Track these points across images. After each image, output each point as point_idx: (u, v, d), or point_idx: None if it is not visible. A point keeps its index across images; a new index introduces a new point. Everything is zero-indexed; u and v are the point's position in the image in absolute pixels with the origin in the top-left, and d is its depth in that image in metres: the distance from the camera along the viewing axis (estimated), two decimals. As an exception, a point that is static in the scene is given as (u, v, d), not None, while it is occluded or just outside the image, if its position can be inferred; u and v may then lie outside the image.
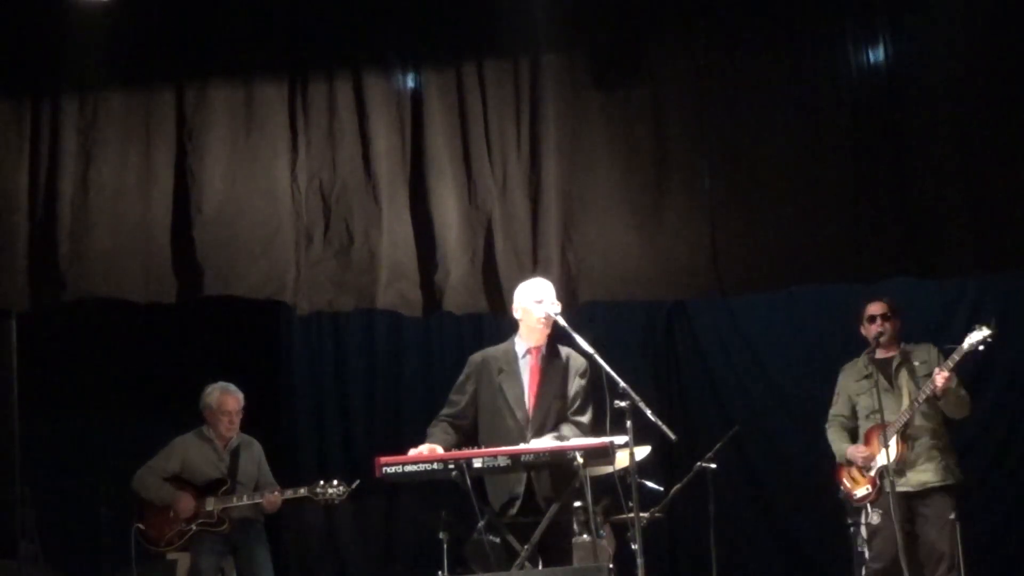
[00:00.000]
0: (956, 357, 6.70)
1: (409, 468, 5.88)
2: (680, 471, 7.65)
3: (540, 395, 6.12)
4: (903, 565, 6.42)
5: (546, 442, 5.93)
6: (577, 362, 6.15)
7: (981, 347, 6.67)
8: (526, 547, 5.82)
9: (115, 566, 7.33)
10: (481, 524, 5.98)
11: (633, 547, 5.93)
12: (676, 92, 7.06)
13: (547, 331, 6.15)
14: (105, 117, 6.89)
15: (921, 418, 6.80)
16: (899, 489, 6.63)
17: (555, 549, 6.02)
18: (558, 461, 5.82)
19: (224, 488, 7.34)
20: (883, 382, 6.82)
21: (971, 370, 7.22)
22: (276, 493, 7.33)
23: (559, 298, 6.22)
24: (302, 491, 7.30)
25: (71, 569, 7.60)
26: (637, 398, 5.70)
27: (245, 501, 7.30)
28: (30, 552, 7.22)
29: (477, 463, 5.81)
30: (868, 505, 6.84)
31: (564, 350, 6.19)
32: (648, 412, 5.76)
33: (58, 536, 7.58)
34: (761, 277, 7.09)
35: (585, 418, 6.11)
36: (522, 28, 7.00)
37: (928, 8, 7.00)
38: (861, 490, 6.88)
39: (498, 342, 6.39)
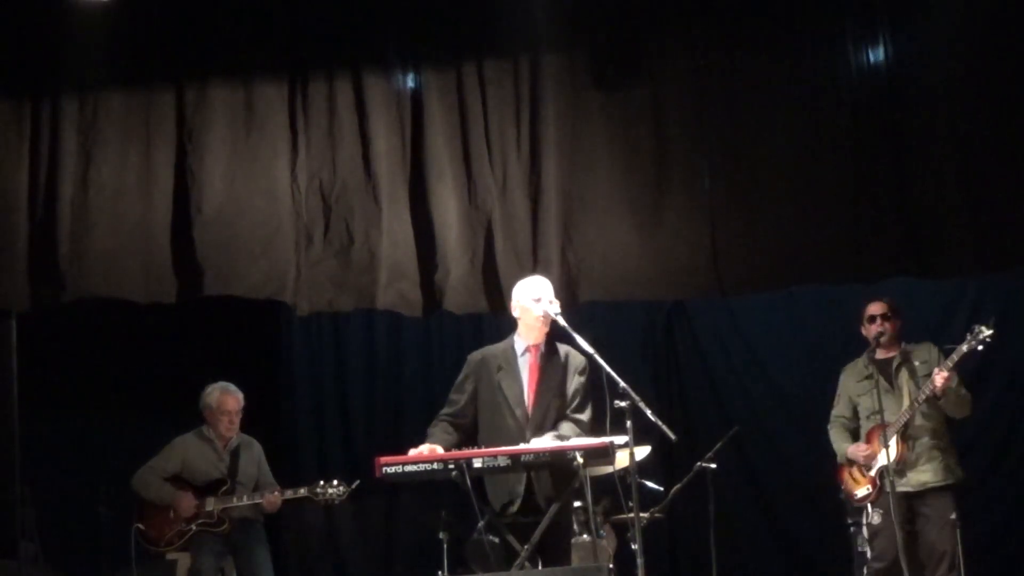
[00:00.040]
0: (955, 357, 6.70)
1: (409, 468, 5.88)
2: (680, 471, 7.66)
3: (539, 393, 6.12)
4: (903, 565, 6.43)
5: (546, 442, 5.93)
6: (576, 360, 6.15)
7: (980, 347, 6.67)
8: (526, 547, 5.81)
9: (115, 566, 7.33)
10: (481, 524, 5.98)
11: (633, 547, 5.93)
12: (676, 92, 7.06)
13: (546, 329, 6.15)
14: (105, 117, 6.89)
15: (921, 418, 6.80)
16: (899, 489, 6.64)
17: (555, 549, 6.02)
18: (558, 461, 5.82)
19: (224, 488, 7.34)
20: (883, 383, 6.82)
21: (971, 370, 7.21)
22: (276, 493, 7.33)
23: (559, 298, 6.22)
24: (302, 491, 7.30)
25: (71, 569, 7.60)
26: (637, 398, 5.70)
27: (245, 501, 7.30)
28: (30, 552, 7.22)
29: (477, 463, 5.80)
30: (869, 505, 6.84)
31: (563, 348, 6.19)
32: (648, 412, 5.76)
33: (58, 536, 7.59)
34: (761, 277, 7.09)
35: (584, 416, 6.11)
36: (522, 28, 7.00)
37: (928, 8, 7.00)
38: (861, 490, 6.89)
39: (498, 342, 6.39)
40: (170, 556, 7.30)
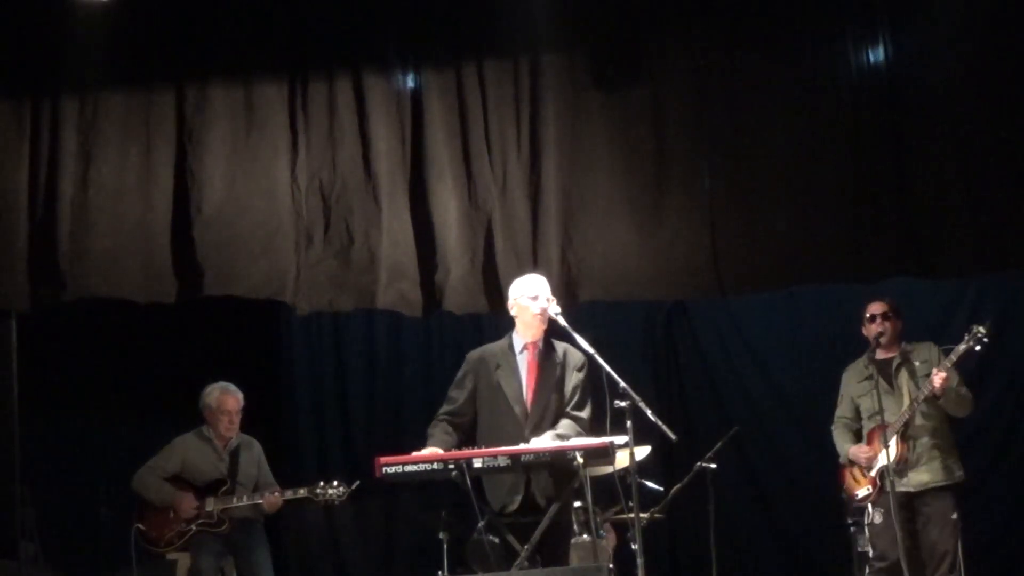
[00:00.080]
0: (953, 357, 6.70)
1: (409, 468, 5.89)
2: (680, 471, 7.65)
3: (538, 390, 6.13)
4: (903, 565, 6.43)
5: (546, 441, 5.93)
6: (574, 357, 6.16)
7: (978, 347, 6.66)
8: (526, 547, 5.82)
9: (115, 566, 7.33)
10: (481, 524, 5.98)
11: (633, 547, 5.93)
12: (676, 92, 7.07)
13: (543, 326, 6.16)
14: (105, 117, 6.89)
15: (921, 418, 6.80)
16: (900, 489, 6.63)
17: (555, 549, 6.03)
18: (558, 461, 5.82)
19: (224, 488, 7.33)
20: (883, 383, 6.81)
21: (971, 370, 7.21)
22: (276, 494, 7.32)
23: (559, 298, 6.23)
24: (302, 492, 7.30)
25: (71, 569, 7.60)
26: (637, 398, 5.71)
27: (245, 502, 7.29)
28: (30, 552, 7.22)
29: (477, 463, 5.81)
30: (870, 505, 6.84)
31: (560, 345, 6.20)
32: (648, 412, 5.77)
33: (58, 536, 7.59)
34: (761, 277, 7.09)
35: (584, 413, 6.12)
36: (522, 28, 7.01)
37: (928, 8, 7.00)
38: (862, 490, 6.88)
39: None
40: (170, 556, 7.29)
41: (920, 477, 6.77)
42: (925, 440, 6.80)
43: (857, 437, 7.02)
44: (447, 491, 6.23)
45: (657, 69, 7.09)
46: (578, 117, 7.04)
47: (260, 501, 7.31)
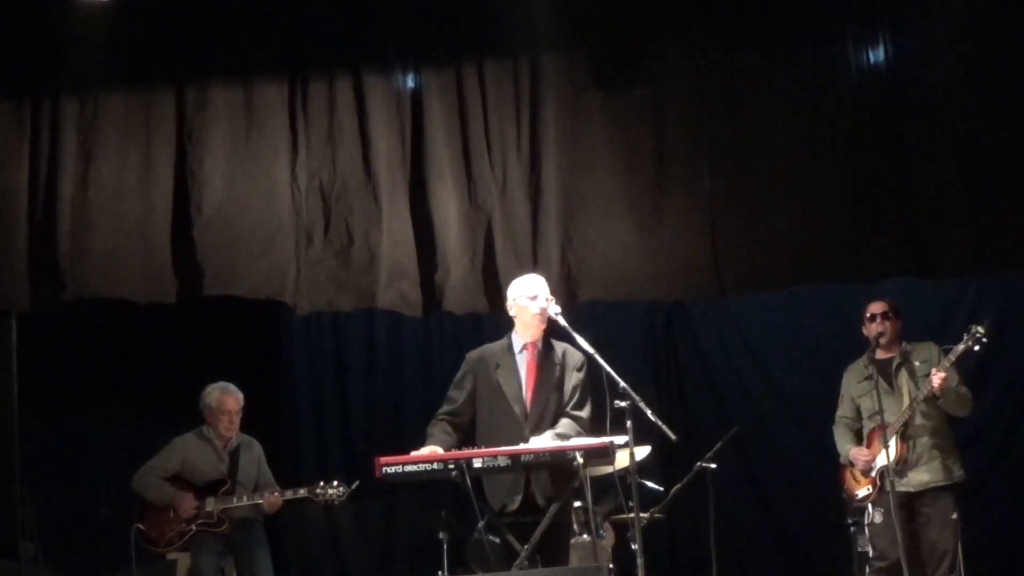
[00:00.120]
0: (952, 357, 6.70)
1: (409, 468, 5.89)
2: (680, 471, 7.66)
3: (537, 389, 6.13)
4: (903, 565, 6.43)
5: (546, 441, 5.93)
6: (573, 356, 6.16)
7: (977, 347, 6.66)
8: (526, 547, 5.81)
9: (115, 566, 7.32)
10: (481, 524, 5.98)
11: (633, 547, 5.93)
12: (676, 92, 7.07)
13: (543, 326, 6.16)
14: (105, 117, 6.90)
15: (921, 418, 6.80)
16: (900, 489, 6.63)
17: (555, 549, 6.02)
18: (558, 461, 5.82)
19: (224, 488, 7.33)
20: (883, 383, 6.81)
21: (971, 370, 7.21)
22: (276, 494, 7.32)
23: (559, 298, 6.23)
24: (302, 492, 7.30)
25: (71, 569, 7.60)
26: (637, 398, 5.71)
27: (245, 502, 7.29)
28: (30, 552, 7.22)
29: (477, 463, 5.81)
30: (870, 505, 6.84)
31: (560, 345, 6.20)
32: (648, 412, 5.77)
33: (58, 536, 7.59)
34: (761, 277, 7.09)
35: (584, 412, 6.12)
36: (522, 28, 7.01)
37: (928, 8, 7.01)
38: (862, 490, 6.88)
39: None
40: (170, 556, 7.29)
41: (920, 477, 6.77)
42: (925, 440, 6.80)
43: (858, 437, 7.02)
44: (447, 491, 6.23)
45: (657, 69, 7.09)
46: (578, 117, 7.04)
47: (260, 501, 7.30)
